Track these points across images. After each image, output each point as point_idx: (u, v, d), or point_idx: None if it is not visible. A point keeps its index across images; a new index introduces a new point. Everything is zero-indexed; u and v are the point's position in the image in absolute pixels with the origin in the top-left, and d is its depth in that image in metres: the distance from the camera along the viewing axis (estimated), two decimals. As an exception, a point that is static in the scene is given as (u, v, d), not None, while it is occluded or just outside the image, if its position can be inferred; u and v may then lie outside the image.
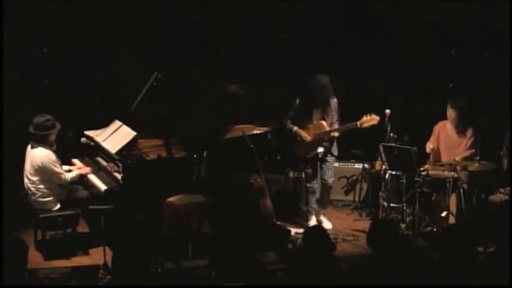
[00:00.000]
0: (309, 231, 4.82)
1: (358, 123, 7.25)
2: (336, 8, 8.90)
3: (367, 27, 8.89)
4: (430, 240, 7.03)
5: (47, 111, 6.78)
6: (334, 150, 7.62)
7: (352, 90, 8.32)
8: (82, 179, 6.96)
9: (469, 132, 7.37)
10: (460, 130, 7.40)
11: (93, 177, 6.98)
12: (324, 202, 7.82)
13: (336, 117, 7.47)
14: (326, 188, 7.71)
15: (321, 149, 7.53)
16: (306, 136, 7.51)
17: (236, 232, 6.72)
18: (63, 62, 8.48)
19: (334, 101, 7.49)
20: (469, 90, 8.25)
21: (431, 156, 7.50)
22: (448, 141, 7.47)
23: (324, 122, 7.44)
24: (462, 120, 7.35)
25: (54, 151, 6.72)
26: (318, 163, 7.61)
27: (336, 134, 7.44)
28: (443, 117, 7.47)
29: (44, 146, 6.66)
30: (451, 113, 7.36)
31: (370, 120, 7.21)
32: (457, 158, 7.16)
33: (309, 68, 7.62)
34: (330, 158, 7.63)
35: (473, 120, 7.42)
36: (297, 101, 7.53)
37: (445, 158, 7.42)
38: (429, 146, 7.51)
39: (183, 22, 8.68)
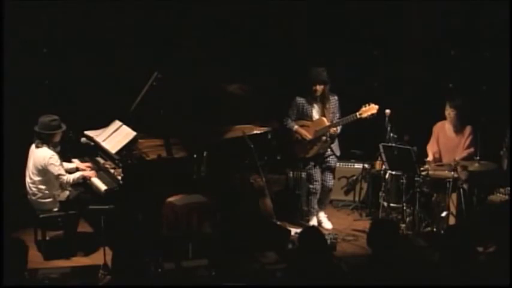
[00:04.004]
0: (303, 232, 4.82)
1: (357, 114, 7.24)
2: (336, 7, 8.89)
3: (367, 27, 8.89)
4: (430, 240, 7.03)
5: (46, 111, 6.78)
6: (336, 149, 7.61)
7: (352, 90, 8.31)
8: (85, 181, 6.94)
9: (467, 131, 7.39)
10: (458, 129, 7.42)
11: (94, 178, 6.97)
12: (324, 203, 7.82)
13: (337, 115, 7.47)
14: (326, 190, 7.71)
15: (322, 149, 7.53)
16: (306, 135, 7.50)
17: (236, 232, 6.72)
18: (63, 62, 8.49)
19: (334, 98, 7.49)
20: (469, 90, 8.26)
21: (432, 161, 7.48)
22: (447, 142, 7.49)
23: (324, 118, 7.44)
24: (461, 119, 7.37)
25: (57, 152, 6.74)
26: (320, 163, 7.60)
27: (338, 130, 7.42)
28: (443, 117, 7.48)
29: (48, 147, 6.68)
30: (450, 112, 7.38)
31: (369, 109, 7.21)
32: (456, 158, 7.16)
33: (309, 67, 7.61)
34: (332, 160, 7.62)
35: (471, 119, 7.43)
36: (296, 98, 7.53)
37: (445, 159, 7.44)
38: (430, 151, 7.51)
39: (182, 22, 8.68)
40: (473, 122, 7.45)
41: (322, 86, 7.37)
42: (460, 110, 7.34)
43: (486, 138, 7.20)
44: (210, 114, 7.31)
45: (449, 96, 7.54)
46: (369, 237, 4.66)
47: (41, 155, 6.66)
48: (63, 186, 6.78)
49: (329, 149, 7.57)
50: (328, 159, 7.60)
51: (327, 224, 7.74)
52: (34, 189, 6.72)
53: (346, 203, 8.63)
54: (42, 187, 6.71)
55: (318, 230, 4.87)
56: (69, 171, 6.93)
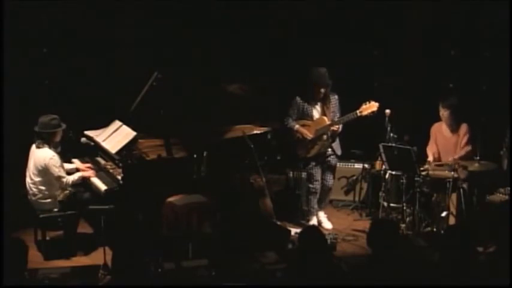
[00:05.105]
0: (304, 232, 4.82)
1: (357, 111, 7.23)
2: (336, 7, 8.89)
3: (367, 27, 8.89)
4: (430, 240, 7.03)
5: (46, 111, 6.78)
6: (338, 149, 7.61)
7: (352, 90, 8.31)
8: (85, 181, 6.94)
9: (463, 129, 7.38)
10: (454, 128, 7.42)
11: (93, 178, 6.97)
12: (323, 202, 7.82)
13: (338, 114, 7.47)
14: (326, 189, 7.72)
15: (323, 148, 7.53)
16: (308, 134, 7.50)
17: (236, 232, 6.72)
18: (63, 62, 8.49)
19: (335, 98, 7.50)
20: (469, 90, 8.26)
21: (432, 161, 7.47)
22: (445, 142, 7.49)
23: (325, 117, 7.44)
24: (455, 119, 7.37)
25: (58, 153, 6.75)
26: (321, 163, 7.60)
27: (338, 128, 7.41)
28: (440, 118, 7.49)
29: (49, 147, 6.68)
30: (443, 112, 7.39)
31: (369, 107, 7.20)
32: (455, 157, 7.16)
33: (309, 67, 7.61)
34: (332, 159, 7.62)
35: (471, 119, 7.43)
36: (297, 98, 7.53)
37: (444, 159, 7.43)
38: (430, 152, 7.50)
39: (182, 22, 8.68)
40: (473, 122, 7.44)
41: (325, 88, 7.38)
42: (453, 109, 7.33)
43: (486, 138, 7.19)
44: (210, 114, 7.31)
45: (441, 96, 7.53)
46: (369, 237, 4.66)
47: (42, 156, 6.66)
48: (62, 187, 6.78)
49: (330, 149, 7.58)
50: (329, 158, 7.62)
51: (327, 224, 7.74)
52: (34, 189, 6.72)
53: (346, 203, 8.63)
54: (43, 187, 6.71)
55: (318, 230, 4.87)
56: (69, 172, 6.93)
